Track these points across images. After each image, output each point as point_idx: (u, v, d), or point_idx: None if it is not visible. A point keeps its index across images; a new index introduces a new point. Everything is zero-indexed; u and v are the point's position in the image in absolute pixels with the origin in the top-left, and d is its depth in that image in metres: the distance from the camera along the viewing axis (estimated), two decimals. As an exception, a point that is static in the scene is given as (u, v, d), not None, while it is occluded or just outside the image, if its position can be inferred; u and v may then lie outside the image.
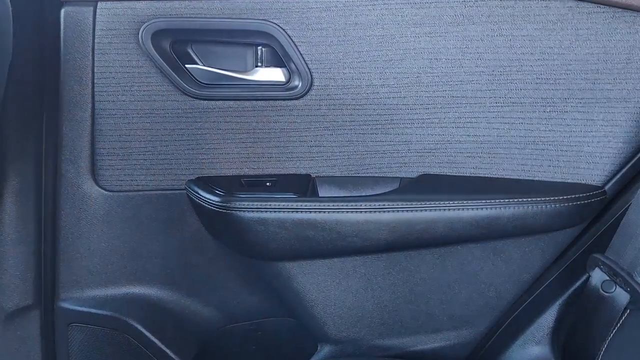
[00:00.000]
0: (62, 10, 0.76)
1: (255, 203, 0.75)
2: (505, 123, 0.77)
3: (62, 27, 0.76)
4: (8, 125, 0.75)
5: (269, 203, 0.74)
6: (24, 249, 0.81)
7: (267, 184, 0.79)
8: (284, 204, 0.74)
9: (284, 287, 0.80)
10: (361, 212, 0.73)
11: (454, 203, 0.73)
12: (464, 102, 0.77)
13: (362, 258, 0.78)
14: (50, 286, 0.85)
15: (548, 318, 0.82)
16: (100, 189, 0.81)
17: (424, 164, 0.79)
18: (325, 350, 0.86)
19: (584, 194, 0.74)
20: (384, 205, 0.73)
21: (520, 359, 0.83)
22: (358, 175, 0.80)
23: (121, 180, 0.81)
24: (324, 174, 0.81)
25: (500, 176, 0.78)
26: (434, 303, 0.80)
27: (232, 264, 0.85)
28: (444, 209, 0.73)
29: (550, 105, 0.76)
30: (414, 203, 0.73)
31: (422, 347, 0.82)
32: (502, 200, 0.74)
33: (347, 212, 0.73)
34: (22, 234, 0.80)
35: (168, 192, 0.81)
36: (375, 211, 0.73)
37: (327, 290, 0.79)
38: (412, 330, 0.81)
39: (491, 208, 0.74)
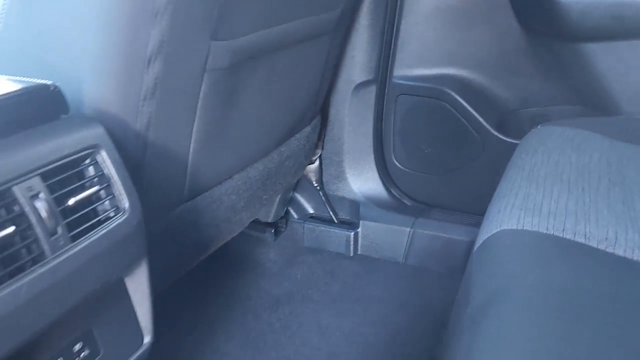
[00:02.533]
0: None
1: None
2: None
3: None
4: None
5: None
6: (372, 33, 1.09)
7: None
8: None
9: (585, 68, 0.96)
10: None
11: None
12: None
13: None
14: (387, 65, 1.13)
15: None
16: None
17: None
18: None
19: None
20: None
21: None
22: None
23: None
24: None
25: None
26: None
27: (537, 52, 1.02)
28: None
29: None
30: None
31: None
32: None
33: None
34: (374, 21, 1.08)
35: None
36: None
37: (627, 71, 0.93)
38: None
39: None
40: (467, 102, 1.07)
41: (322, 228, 1.25)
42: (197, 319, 1.04)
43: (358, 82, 1.14)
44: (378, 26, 1.08)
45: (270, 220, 1.23)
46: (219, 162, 0.77)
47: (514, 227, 0.55)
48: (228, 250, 1.23)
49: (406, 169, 1.20)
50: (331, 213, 1.25)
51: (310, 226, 1.25)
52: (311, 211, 1.29)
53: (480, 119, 1.07)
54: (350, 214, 1.25)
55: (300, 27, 0.80)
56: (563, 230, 0.53)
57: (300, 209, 1.29)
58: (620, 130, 0.79)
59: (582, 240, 0.52)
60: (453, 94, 1.07)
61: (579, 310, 0.43)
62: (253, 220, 1.23)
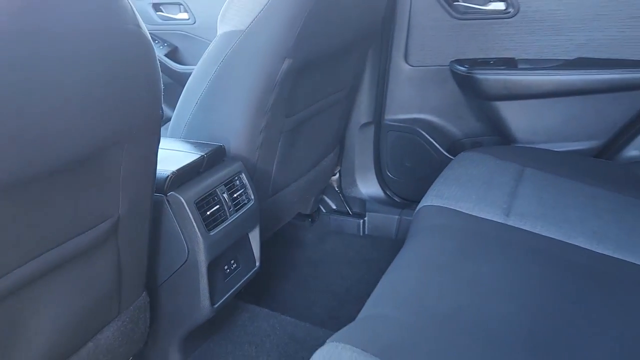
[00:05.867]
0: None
1: (485, 71, 1.54)
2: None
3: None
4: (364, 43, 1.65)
5: (490, 70, 1.53)
6: (370, 93, 1.75)
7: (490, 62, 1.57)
8: (499, 69, 1.52)
9: (496, 115, 1.60)
10: (551, 75, 1.47)
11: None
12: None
13: (551, 100, 1.52)
14: (380, 112, 1.78)
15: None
16: (408, 65, 1.69)
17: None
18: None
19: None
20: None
21: None
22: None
23: (418, 60, 1.67)
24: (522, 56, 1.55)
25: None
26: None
27: (470, 105, 1.67)
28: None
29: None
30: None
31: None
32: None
33: (542, 75, 1.48)
34: (371, 86, 1.73)
35: (444, 67, 1.65)
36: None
37: (518, 117, 1.57)
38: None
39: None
40: (429, 135, 1.72)
41: (342, 218, 1.90)
42: (266, 268, 1.69)
43: (362, 122, 1.80)
44: (373, 88, 1.74)
45: (308, 212, 1.89)
46: (285, 176, 1.44)
47: (429, 204, 1.20)
48: (283, 233, 1.89)
49: (395, 178, 1.85)
50: (347, 208, 1.91)
51: (334, 217, 1.91)
52: (334, 207, 1.94)
53: (438, 146, 1.71)
54: (360, 208, 1.90)
55: (326, 101, 1.46)
56: (454, 204, 1.18)
57: (327, 205, 1.95)
58: (508, 153, 1.44)
59: (461, 210, 1.17)
60: (421, 130, 1.73)
61: (454, 234, 1.08)
62: (298, 213, 1.89)
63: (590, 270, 1.01)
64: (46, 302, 0.82)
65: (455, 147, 1.74)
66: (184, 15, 2.07)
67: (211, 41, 1.93)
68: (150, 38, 0.77)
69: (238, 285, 1.22)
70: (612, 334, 0.84)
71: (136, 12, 0.75)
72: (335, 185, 1.90)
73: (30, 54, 0.60)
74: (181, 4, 2.05)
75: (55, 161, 0.69)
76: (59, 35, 0.63)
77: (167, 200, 1.05)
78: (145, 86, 0.79)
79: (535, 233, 1.11)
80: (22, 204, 0.69)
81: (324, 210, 1.95)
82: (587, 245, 1.08)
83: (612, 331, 0.85)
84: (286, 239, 1.87)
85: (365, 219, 1.87)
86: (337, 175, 1.89)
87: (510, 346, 0.80)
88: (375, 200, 1.87)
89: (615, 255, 1.05)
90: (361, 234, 1.88)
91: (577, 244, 1.08)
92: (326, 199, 1.95)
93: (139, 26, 0.74)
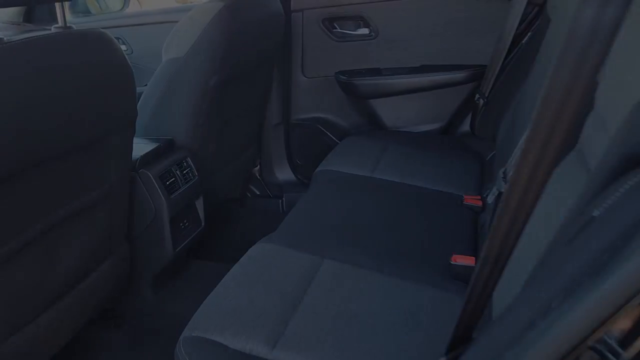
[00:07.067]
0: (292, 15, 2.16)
1: (360, 78, 2.12)
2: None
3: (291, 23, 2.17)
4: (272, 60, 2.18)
5: (363, 77, 2.11)
6: (278, 99, 2.28)
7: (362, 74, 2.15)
8: (370, 76, 2.11)
9: (372, 109, 2.18)
10: (405, 78, 2.07)
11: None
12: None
13: (408, 96, 2.12)
14: (287, 113, 2.32)
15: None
16: (304, 76, 2.24)
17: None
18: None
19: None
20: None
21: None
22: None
23: (312, 73, 2.23)
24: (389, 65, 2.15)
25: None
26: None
27: (353, 104, 2.24)
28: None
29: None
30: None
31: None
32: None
33: (399, 78, 2.07)
34: (278, 94, 2.27)
35: (331, 77, 2.21)
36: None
37: (386, 108, 2.16)
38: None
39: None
40: (325, 129, 2.28)
41: (265, 200, 2.41)
42: (209, 239, 2.16)
43: (275, 123, 2.32)
44: (280, 96, 2.28)
45: (238, 197, 2.38)
46: (218, 162, 1.93)
47: (320, 169, 1.75)
48: (220, 213, 2.37)
49: (302, 164, 2.39)
50: (268, 191, 2.42)
51: (258, 199, 2.41)
52: (258, 192, 2.45)
53: (332, 137, 2.28)
54: (278, 191, 2.42)
55: (246, 106, 1.97)
56: (336, 168, 1.73)
57: (252, 192, 2.45)
58: (378, 135, 2.02)
59: (341, 170, 1.72)
60: (319, 126, 2.28)
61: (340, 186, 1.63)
62: (230, 199, 2.38)
63: (423, 198, 1.59)
64: (70, 237, 1.27)
65: (346, 137, 2.30)
66: (123, 47, 2.52)
67: (146, 66, 2.41)
68: (131, 66, 1.25)
69: (191, 237, 1.70)
70: (420, 225, 1.43)
71: (122, 51, 1.23)
72: (257, 175, 2.41)
73: (67, 85, 1.08)
74: (120, 38, 2.50)
75: (75, 143, 1.15)
76: (81, 69, 1.10)
77: (139, 175, 1.52)
78: (128, 97, 1.27)
79: (389, 180, 1.68)
80: (56, 172, 1.15)
81: (250, 195, 2.45)
82: (422, 184, 1.66)
83: (420, 224, 1.43)
84: (223, 218, 2.35)
85: (283, 198, 2.39)
86: (258, 166, 2.40)
87: (368, 235, 1.35)
88: (289, 183, 2.39)
89: (442, 190, 1.64)
90: (281, 210, 2.39)
91: (416, 184, 1.66)
92: (251, 187, 2.45)
93: (125, 59, 1.22)
